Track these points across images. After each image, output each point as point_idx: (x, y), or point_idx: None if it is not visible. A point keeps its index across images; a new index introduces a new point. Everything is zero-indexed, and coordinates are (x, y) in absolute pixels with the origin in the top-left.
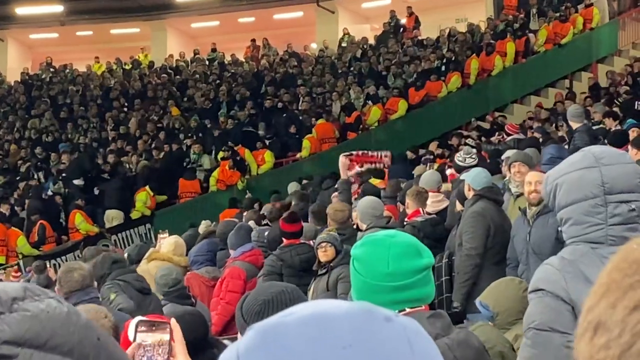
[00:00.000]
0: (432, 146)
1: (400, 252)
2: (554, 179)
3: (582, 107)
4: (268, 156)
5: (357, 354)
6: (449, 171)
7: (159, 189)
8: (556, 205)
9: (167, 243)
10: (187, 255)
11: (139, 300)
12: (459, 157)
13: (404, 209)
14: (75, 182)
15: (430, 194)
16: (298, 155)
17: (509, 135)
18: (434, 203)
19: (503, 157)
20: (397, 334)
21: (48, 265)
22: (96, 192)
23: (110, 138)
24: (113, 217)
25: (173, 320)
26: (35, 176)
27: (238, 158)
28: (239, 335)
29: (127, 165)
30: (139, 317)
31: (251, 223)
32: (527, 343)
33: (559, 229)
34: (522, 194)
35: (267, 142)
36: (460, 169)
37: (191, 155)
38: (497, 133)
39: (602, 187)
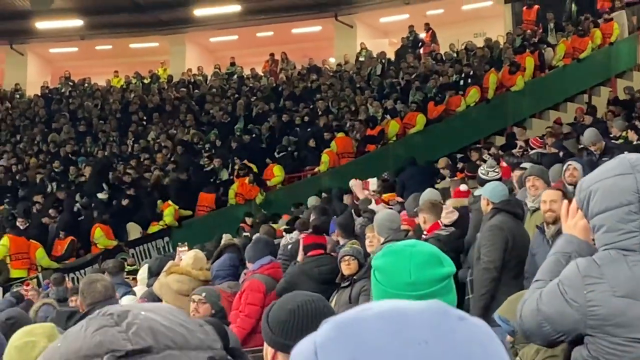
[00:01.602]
0: (442, 162)
1: (422, 261)
2: (588, 186)
3: (601, 124)
4: (277, 170)
5: (433, 349)
6: (463, 187)
7: (186, 203)
8: (589, 212)
9: (187, 256)
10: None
11: None
12: (482, 171)
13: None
14: (100, 195)
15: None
16: (316, 169)
17: (532, 149)
18: (448, 215)
19: (516, 170)
20: (470, 332)
21: (67, 278)
22: (124, 202)
23: (129, 152)
24: (132, 230)
25: None
26: (50, 187)
27: (256, 173)
28: (264, 346)
29: (148, 179)
30: None
31: (283, 240)
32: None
33: (591, 237)
34: (537, 208)
35: (277, 155)
36: (483, 183)
37: (211, 168)
38: (517, 146)
39: (637, 194)
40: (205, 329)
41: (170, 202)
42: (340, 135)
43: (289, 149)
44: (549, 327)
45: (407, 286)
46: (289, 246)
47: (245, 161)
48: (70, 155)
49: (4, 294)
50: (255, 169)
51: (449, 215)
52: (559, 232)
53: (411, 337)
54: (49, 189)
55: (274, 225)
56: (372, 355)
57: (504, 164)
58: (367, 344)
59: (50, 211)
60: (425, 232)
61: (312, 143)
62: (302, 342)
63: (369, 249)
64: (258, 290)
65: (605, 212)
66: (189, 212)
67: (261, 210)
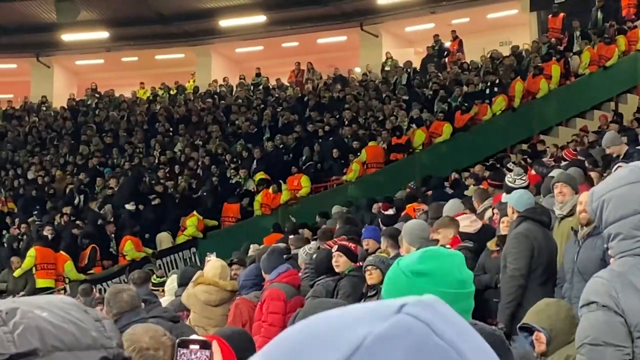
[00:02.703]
0: (478, 168)
1: (462, 261)
2: (600, 196)
3: (630, 131)
4: (304, 181)
5: None
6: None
7: (213, 213)
8: (603, 222)
9: (213, 267)
10: None
11: (171, 327)
12: (509, 179)
13: None
14: (127, 206)
15: (464, 215)
16: (343, 179)
17: (565, 160)
18: (472, 223)
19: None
20: None
21: (94, 289)
22: (150, 214)
23: (156, 163)
24: (162, 240)
25: (215, 342)
26: (77, 199)
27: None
28: None
29: (174, 189)
30: (181, 338)
31: (301, 251)
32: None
33: (605, 246)
34: (565, 216)
35: (302, 167)
36: (510, 191)
37: (236, 179)
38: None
39: None
40: (103, 325)
41: (195, 212)
42: (371, 144)
43: (313, 159)
44: (609, 348)
45: (459, 283)
46: (314, 255)
47: (262, 175)
48: (97, 167)
49: None
50: (267, 177)
51: (472, 223)
52: (589, 235)
53: None
54: (76, 201)
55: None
56: None
57: (532, 172)
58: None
59: (78, 222)
60: (448, 246)
61: (335, 153)
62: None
63: None
64: (278, 299)
65: (620, 221)
66: (215, 222)
67: (289, 217)
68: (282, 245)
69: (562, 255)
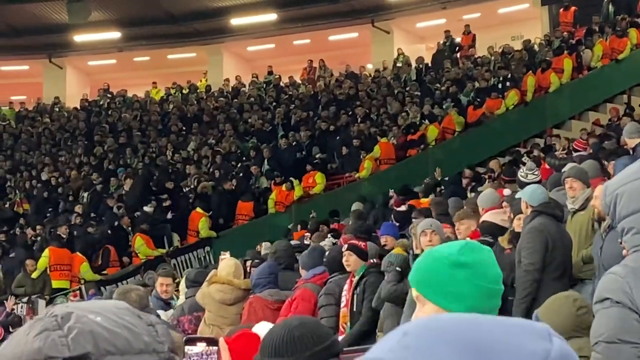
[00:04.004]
0: (494, 164)
1: (493, 257)
2: (613, 190)
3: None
4: (319, 178)
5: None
6: (506, 191)
7: (227, 212)
8: (617, 216)
9: (226, 265)
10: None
11: None
12: (521, 173)
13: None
14: (146, 208)
15: (496, 210)
16: (356, 176)
17: (576, 151)
18: (503, 222)
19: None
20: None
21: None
22: (169, 216)
23: (169, 162)
24: (178, 239)
25: (221, 340)
26: (87, 199)
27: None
28: None
29: (189, 188)
30: (187, 336)
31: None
32: (597, 357)
33: (619, 239)
34: (577, 210)
35: (316, 163)
36: (523, 185)
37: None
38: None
39: None
40: (155, 329)
41: (199, 209)
42: (384, 140)
43: (324, 156)
44: (625, 345)
45: (497, 279)
46: (327, 252)
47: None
48: (110, 167)
49: (47, 305)
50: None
51: (503, 223)
52: (610, 228)
53: None
54: (86, 200)
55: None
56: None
57: (546, 165)
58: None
59: (93, 222)
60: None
61: (344, 150)
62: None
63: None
64: (309, 301)
65: (634, 215)
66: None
67: (311, 213)
68: (321, 244)
69: (578, 250)
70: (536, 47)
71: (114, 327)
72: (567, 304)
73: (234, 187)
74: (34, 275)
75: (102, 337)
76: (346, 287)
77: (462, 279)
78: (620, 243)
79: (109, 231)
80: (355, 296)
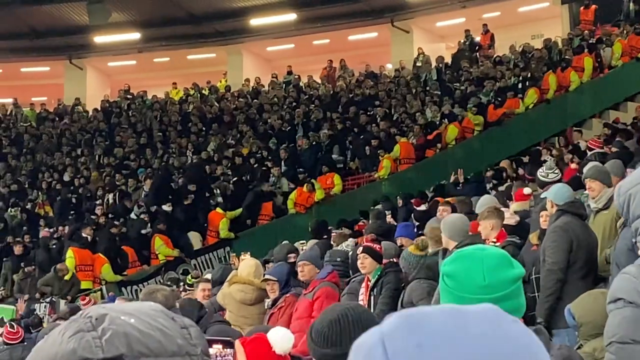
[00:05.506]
0: (505, 164)
1: (495, 264)
2: (627, 190)
3: None
4: (337, 179)
5: (493, 341)
6: (526, 190)
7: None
8: (631, 216)
9: (247, 265)
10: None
11: None
12: (541, 173)
13: None
14: (164, 207)
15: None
16: (376, 176)
17: (591, 150)
18: (508, 219)
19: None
20: (524, 333)
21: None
22: (181, 216)
23: (189, 162)
24: (192, 239)
25: (237, 342)
26: (112, 200)
27: (313, 181)
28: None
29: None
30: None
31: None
32: (611, 358)
33: (633, 240)
34: (600, 209)
35: (331, 164)
36: (543, 185)
37: (270, 178)
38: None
39: None
40: (189, 332)
41: (219, 210)
42: (404, 140)
43: (341, 158)
44: (638, 346)
45: (481, 289)
46: (350, 252)
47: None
48: (130, 168)
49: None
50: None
51: (508, 220)
52: (624, 225)
53: (474, 329)
54: (106, 201)
55: None
56: (438, 341)
57: (572, 165)
58: (433, 332)
59: (116, 223)
60: (494, 240)
61: (369, 150)
62: (365, 333)
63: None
64: (334, 298)
65: None
66: (239, 211)
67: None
68: (343, 245)
69: (602, 249)
70: (560, 45)
71: (148, 329)
72: (602, 300)
73: (271, 188)
74: (67, 277)
75: (136, 339)
76: (362, 290)
77: (446, 288)
78: (635, 243)
79: (130, 232)
80: (372, 297)
